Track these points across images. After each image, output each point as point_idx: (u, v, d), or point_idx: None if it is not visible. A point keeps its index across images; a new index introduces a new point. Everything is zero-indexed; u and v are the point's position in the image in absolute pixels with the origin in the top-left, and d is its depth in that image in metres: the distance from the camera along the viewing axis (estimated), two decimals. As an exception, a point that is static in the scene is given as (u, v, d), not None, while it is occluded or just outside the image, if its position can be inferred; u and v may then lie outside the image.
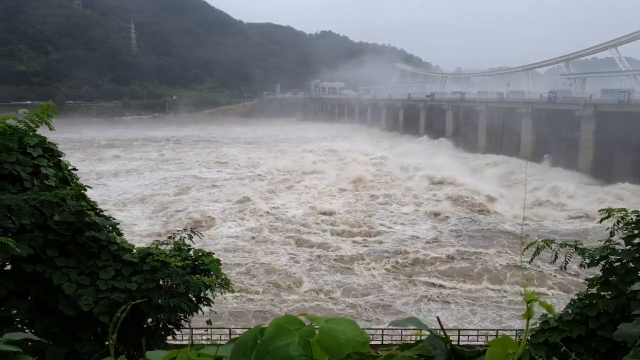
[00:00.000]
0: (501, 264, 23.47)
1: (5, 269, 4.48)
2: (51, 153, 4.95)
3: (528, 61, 75.73)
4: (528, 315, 0.92)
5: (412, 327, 0.99)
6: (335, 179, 43.35)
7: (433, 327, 1.04)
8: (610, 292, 4.88)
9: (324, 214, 32.14)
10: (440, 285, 21.22)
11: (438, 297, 20.06)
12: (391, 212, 33.61)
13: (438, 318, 1.24)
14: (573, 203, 35.29)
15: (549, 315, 5.11)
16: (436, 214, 32.71)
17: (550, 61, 69.99)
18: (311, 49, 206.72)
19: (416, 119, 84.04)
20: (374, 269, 23.00)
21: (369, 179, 42.82)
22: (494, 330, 14.75)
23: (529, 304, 0.91)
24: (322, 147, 62.69)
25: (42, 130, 5.00)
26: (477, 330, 14.25)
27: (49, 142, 4.94)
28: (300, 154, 59.95)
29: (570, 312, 5.02)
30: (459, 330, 13.59)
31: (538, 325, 5.12)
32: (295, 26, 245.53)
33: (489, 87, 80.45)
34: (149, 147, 73.21)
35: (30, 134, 4.76)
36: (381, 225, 30.15)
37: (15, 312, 4.41)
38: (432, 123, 77.68)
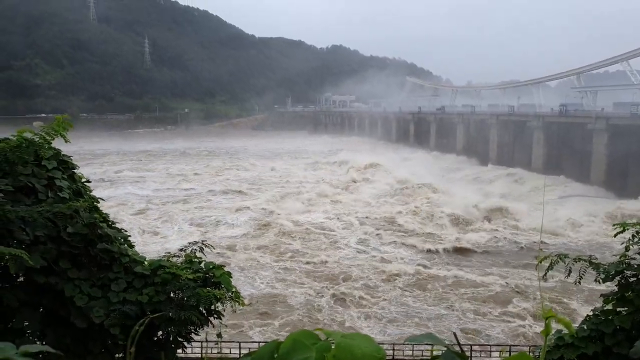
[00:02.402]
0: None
1: (18, 280, 4.52)
2: (65, 165, 5.00)
3: (539, 74, 75.62)
4: (546, 331, 0.91)
5: (427, 343, 0.98)
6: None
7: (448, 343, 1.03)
8: (626, 308, 4.79)
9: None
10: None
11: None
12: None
13: (455, 334, 1.22)
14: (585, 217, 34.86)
15: (564, 331, 5.03)
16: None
17: (561, 74, 69.66)
18: (322, 62, 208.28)
19: (427, 132, 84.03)
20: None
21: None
22: (507, 345, 14.53)
23: (547, 320, 0.90)
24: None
25: (55, 143, 5.06)
26: (490, 345, 14.05)
27: (63, 155, 5.00)
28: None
29: (585, 328, 4.94)
30: (471, 345, 13.40)
31: (553, 341, 5.04)
32: (307, 40, 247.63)
33: (499, 101, 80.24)
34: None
35: (46, 146, 4.82)
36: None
37: (27, 323, 4.43)
38: (443, 136, 77.63)
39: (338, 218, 34.70)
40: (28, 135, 4.76)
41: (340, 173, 53.76)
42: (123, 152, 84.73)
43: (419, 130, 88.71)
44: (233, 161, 72.53)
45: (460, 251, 27.83)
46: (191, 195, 45.33)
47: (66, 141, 5.02)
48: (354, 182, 49.34)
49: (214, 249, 6.06)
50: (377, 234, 30.89)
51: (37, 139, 4.82)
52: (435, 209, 35.39)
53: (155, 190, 47.52)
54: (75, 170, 5.13)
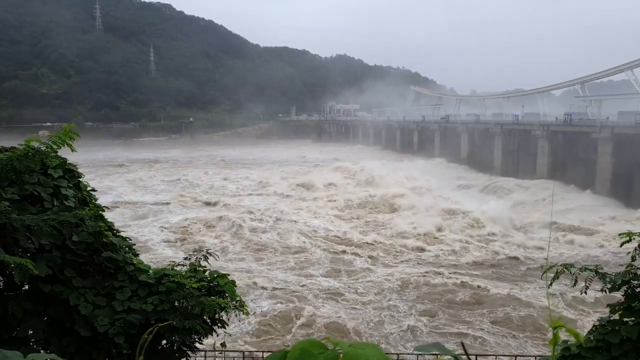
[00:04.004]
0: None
1: (23, 288, 4.52)
2: (71, 174, 5.02)
3: (543, 84, 75.65)
4: (554, 341, 0.90)
5: (435, 352, 0.98)
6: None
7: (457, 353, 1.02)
8: (633, 318, 4.75)
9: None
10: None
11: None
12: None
13: (462, 343, 1.22)
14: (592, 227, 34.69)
15: (570, 342, 4.98)
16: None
17: (565, 83, 69.58)
18: (326, 72, 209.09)
19: (431, 140, 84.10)
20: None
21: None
22: (512, 356, 14.41)
23: (555, 330, 0.89)
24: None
25: (61, 151, 5.09)
26: (496, 356, 13.93)
27: (69, 164, 5.02)
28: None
29: (592, 338, 4.89)
30: (476, 355, 13.30)
31: (559, 352, 4.99)
32: (311, 50, 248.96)
33: (503, 110, 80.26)
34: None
35: (52, 155, 4.84)
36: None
37: (31, 332, 4.43)
38: (447, 145, 77.65)
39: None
40: (35, 144, 4.79)
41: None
42: (116, 161, 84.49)
43: (423, 139, 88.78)
44: (224, 171, 72.25)
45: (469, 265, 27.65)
46: (146, 207, 43.22)
47: (73, 150, 5.04)
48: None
49: (218, 257, 6.06)
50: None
51: (44, 147, 4.84)
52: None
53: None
54: (80, 179, 5.15)
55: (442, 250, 29.34)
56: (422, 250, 29.45)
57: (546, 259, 26.51)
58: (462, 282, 23.73)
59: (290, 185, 51.96)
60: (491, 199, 42.84)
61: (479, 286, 23.16)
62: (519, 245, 30.44)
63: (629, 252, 5.03)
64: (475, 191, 51.49)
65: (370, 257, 28.07)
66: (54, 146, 4.94)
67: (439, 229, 32.72)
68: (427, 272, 25.17)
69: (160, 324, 2.94)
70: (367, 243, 30.62)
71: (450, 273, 25.15)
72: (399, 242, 30.57)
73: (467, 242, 30.71)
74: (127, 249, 5.05)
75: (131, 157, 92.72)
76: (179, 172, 69.66)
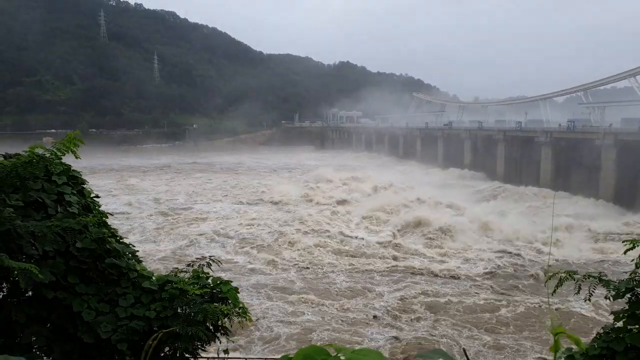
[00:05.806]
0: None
1: (26, 295, 4.53)
2: (75, 181, 5.03)
3: (546, 90, 75.57)
4: (555, 348, 0.90)
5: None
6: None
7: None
8: (637, 326, 4.72)
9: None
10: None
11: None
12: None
13: (464, 350, 1.21)
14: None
15: (574, 349, 4.96)
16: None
17: (568, 90, 69.52)
18: (329, 79, 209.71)
19: (434, 147, 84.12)
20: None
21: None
22: (516, 364, 14.33)
23: (556, 337, 0.89)
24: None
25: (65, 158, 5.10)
26: (499, 364, 13.85)
27: (73, 170, 5.04)
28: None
29: (596, 346, 4.86)
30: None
31: (563, 359, 4.96)
32: (314, 57, 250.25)
33: (506, 116, 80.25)
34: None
35: (56, 162, 4.86)
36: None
37: (34, 338, 4.43)
38: (450, 152, 77.64)
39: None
40: (39, 150, 4.81)
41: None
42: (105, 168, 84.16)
43: (426, 146, 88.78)
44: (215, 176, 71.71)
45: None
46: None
47: (76, 157, 5.06)
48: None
49: (221, 264, 6.06)
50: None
51: (48, 154, 4.86)
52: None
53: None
54: (84, 186, 5.17)
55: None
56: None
57: (549, 265, 26.39)
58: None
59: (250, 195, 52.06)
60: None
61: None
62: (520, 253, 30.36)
63: (632, 260, 5.01)
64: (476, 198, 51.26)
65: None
66: (58, 153, 4.95)
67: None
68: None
69: (163, 331, 2.96)
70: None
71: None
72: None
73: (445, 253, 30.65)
74: (130, 255, 5.06)
75: (123, 163, 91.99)
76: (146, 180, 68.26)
